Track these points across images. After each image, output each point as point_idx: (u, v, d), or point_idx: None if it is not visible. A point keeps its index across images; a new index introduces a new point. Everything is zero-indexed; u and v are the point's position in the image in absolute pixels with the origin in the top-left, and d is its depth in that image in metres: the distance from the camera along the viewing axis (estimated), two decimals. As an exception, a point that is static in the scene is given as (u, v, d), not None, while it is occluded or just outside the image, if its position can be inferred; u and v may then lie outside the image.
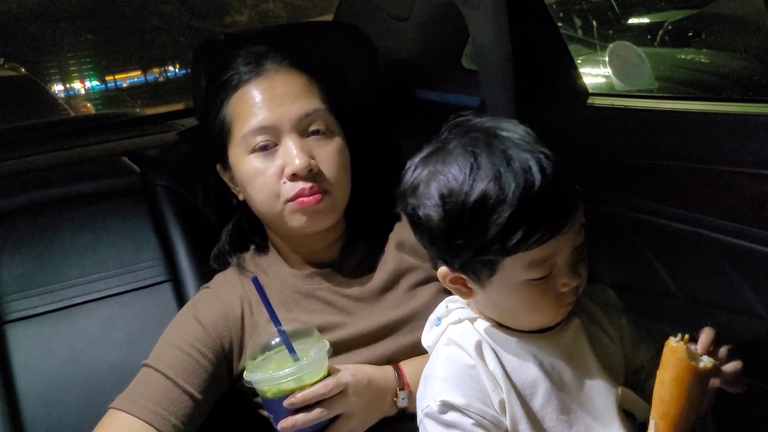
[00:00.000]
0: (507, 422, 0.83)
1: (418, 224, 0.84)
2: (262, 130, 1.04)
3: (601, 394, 0.85)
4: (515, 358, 0.85)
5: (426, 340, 0.92)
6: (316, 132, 1.06)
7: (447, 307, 0.92)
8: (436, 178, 0.80)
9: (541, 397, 0.84)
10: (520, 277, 0.79)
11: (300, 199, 1.03)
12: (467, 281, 0.84)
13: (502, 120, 0.83)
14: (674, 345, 0.77)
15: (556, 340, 0.86)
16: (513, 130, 0.81)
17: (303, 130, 1.05)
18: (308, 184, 1.03)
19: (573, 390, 0.85)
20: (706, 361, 0.77)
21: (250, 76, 1.07)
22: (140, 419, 0.96)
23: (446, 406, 0.83)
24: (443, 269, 0.85)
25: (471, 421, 0.82)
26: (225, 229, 1.19)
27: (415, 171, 0.84)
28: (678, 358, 0.77)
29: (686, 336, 0.78)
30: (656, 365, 0.83)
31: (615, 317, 0.92)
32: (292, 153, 1.03)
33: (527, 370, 0.85)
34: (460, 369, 0.84)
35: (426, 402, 0.85)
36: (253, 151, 1.05)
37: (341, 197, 1.08)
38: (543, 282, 0.80)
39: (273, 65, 1.08)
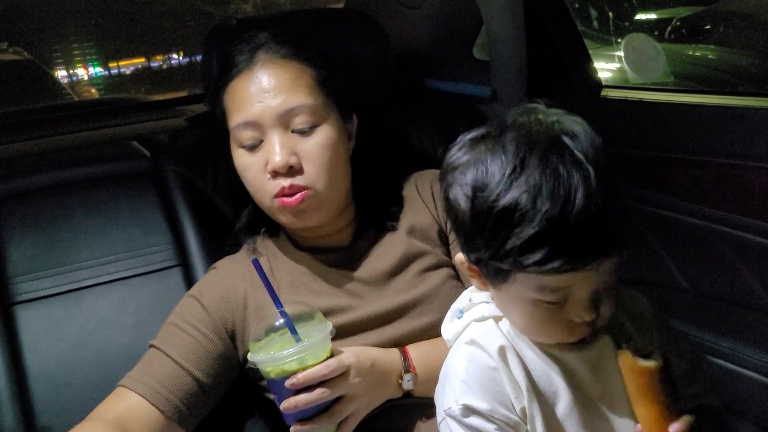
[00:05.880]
0: (527, 430, 0.81)
1: (448, 205, 0.80)
2: (247, 125, 1.04)
3: (626, 413, 0.81)
4: (539, 366, 0.82)
5: (446, 333, 0.89)
6: (301, 127, 1.05)
7: (471, 299, 0.88)
8: (477, 166, 0.75)
9: (562, 408, 0.81)
10: (530, 295, 0.75)
11: (281, 198, 1.03)
12: (483, 277, 0.81)
13: (573, 121, 0.76)
14: (621, 355, 0.77)
15: (582, 352, 0.82)
16: (579, 138, 0.73)
17: (286, 125, 1.04)
18: (287, 182, 1.02)
19: (596, 405, 0.82)
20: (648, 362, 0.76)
21: (240, 68, 1.07)
22: (143, 398, 0.97)
23: (468, 410, 0.80)
24: (460, 256, 0.83)
25: (494, 426, 0.79)
26: (245, 210, 1.19)
27: (460, 150, 0.78)
28: (628, 367, 0.76)
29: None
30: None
31: (645, 330, 0.87)
32: (273, 150, 1.03)
33: (551, 380, 0.81)
34: (482, 371, 0.81)
35: (447, 402, 0.82)
36: (242, 145, 1.06)
37: (328, 194, 1.06)
38: (555, 307, 0.75)
39: (265, 56, 1.07)
